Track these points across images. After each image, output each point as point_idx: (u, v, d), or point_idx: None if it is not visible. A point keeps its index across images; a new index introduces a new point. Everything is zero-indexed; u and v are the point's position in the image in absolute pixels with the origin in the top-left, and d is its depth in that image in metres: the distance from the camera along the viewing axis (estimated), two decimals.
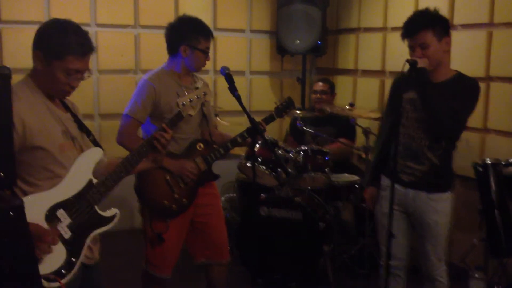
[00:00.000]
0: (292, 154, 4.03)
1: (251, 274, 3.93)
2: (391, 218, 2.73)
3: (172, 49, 3.10)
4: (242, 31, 5.74)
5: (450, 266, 4.36)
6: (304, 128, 4.41)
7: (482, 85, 4.15)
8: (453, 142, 2.97)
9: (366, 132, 4.33)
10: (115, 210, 2.29)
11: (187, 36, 3.03)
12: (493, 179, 3.43)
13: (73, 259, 2.11)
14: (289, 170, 3.97)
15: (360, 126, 4.46)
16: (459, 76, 2.90)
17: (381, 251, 3.10)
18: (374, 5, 5.24)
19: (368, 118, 4.70)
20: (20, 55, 4.43)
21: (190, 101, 2.52)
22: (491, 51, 4.14)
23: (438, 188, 2.94)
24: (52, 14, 4.77)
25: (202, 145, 3.14)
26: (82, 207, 2.15)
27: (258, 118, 3.05)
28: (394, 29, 4.98)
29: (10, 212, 1.51)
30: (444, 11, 4.38)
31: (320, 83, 4.80)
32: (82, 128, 2.31)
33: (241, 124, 4.18)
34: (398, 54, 4.58)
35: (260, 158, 4.01)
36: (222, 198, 4.83)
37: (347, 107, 4.42)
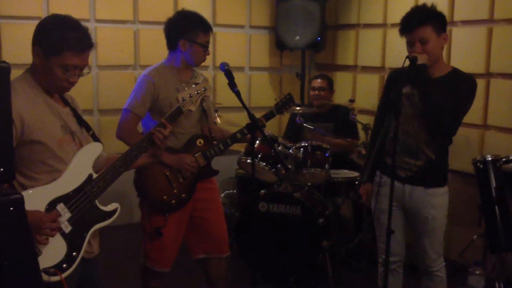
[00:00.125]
0: (292, 150, 4.03)
1: (250, 269, 3.93)
2: (391, 215, 2.74)
3: (171, 44, 3.09)
4: (241, 27, 5.73)
5: (448, 262, 4.36)
6: (304, 124, 4.41)
7: (482, 82, 4.19)
8: (450, 137, 2.99)
9: (366, 128, 4.33)
10: (116, 205, 2.30)
11: (185, 30, 3.03)
12: (492, 175, 3.44)
13: (74, 253, 2.12)
14: (289, 166, 3.97)
15: (360, 122, 4.46)
16: (456, 71, 2.91)
17: (379, 247, 3.11)
18: (374, 1, 5.23)
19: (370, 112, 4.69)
20: (19, 51, 4.43)
21: (190, 96, 2.52)
22: (491, 48, 4.14)
23: (435, 183, 2.96)
24: (51, 9, 4.76)
25: (201, 141, 3.15)
26: (82, 202, 2.16)
27: (257, 114, 3.06)
28: (394, 25, 4.97)
29: (10, 207, 1.51)
30: (444, 8, 4.42)
31: (319, 80, 4.78)
32: (82, 123, 2.31)
33: (237, 125, 4.19)
34: (398, 51, 4.58)
35: (259, 154, 4.01)
36: (222, 194, 4.83)
37: (349, 102, 4.42)
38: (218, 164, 3.27)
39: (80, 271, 2.19)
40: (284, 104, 3.38)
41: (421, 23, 2.76)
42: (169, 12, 4.85)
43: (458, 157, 4.41)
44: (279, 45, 5.53)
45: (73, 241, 2.13)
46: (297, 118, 4.40)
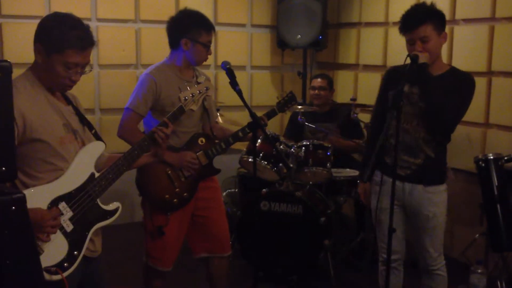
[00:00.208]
0: (294, 149, 4.03)
1: (251, 268, 3.94)
2: (392, 213, 2.74)
3: (174, 43, 3.09)
4: (242, 25, 5.73)
5: (451, 261, 4.36)
6: (306, 123, 4.41)
7: (483, 80, 4.18)
8: (449, 135, 3.00)
9: (368, 127, 4.32)
10: (117, 204, 2.30)
11: (188, 29, 3.02)
12: (494, 174, 3.44)
13: (75, 252, 2.12)
14: (290, 164, 3.97)
15: (362, 121, 4.46)
16: (454, 70, 2.92)
17: (379, 246, 3.11)
18: None
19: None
20: (21, 50, 4.44)
21: (192, 95, 2.52)
22: (493, 46, 4.13)
23: (434, 181, 2.97)
24: (53, 8, 4.76)
25: (203, 140, 3.14)
26: (84, 200, 2.16)
27: (259, 113, 3.06)
28: (395, 23, 4.93)
29: (12, 206, 1.51)
30: (446, 6, 4.42)
31: (319, 79, 4.78)
32: (84, 121, 2.31)
33: (239, 124, 4.19)
34: (400, 49, 4.56)
35: (261, 153, 4.01)
36: (223, 193, 4.83)
37: (351, 102, 4.42)
38: (219, 163, 3.27)
39: (82, 270, 2.19)
40: (286, 102, 3.38)
41: (423, 22, 2.76)
42: (171, 11, 4.88)
43: (460, 155, 4.41)
44: (281, 43, 5.52)
45: (75, 240, 2.13)
46: (299, 117, 4.40)
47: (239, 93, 2.72)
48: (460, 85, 2.85)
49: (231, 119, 4.78)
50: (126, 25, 5.20)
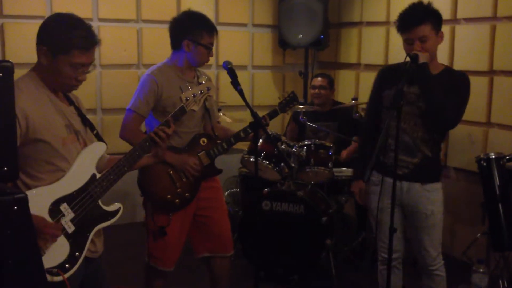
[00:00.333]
0: (295, 149, 4.03)
1: (253, 268, 3.94)
2: (393, 213, 2.75)
3: (176, 44, 3.09)
4: (244, 25, 5.73)
5: (452, 260, 4.37)
6: (307, 122, 4.41)
7: (485, 79, 4.19)
8: (445, 134, 3.02)
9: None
10: (119, 205, 2.30)
11: (190, 30, 3.02)
12: (496, 173, 3.44)
13: (76, 254, 2.12)
14: (292, 164, 3.97)
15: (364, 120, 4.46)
16: (449, 69, 2.95)
17: (379, 245, 3.11)
18: None
19: None
20: (23, 50, 4.45)
21: (194, 96, 2.53)
22: (495, 45, 4.13)
23: (431, 179, 2.99)
24: (55, 9, 4.77)
25: (205, 140, 3.15)
26: (85, 202, 2.16)
27: (260, 112, 3.06)
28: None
29: (14, 206, 1.51)
30: (447, 5, 4.41)
31: (319, 78, 4.77)
32: (86, 122, 2.31)
33: (243, 120, 4.20)
34: (401, 48, 4.57)
35: (263, 153, 4.02)
36: (225, 193, 4.84)
37: (353, 102, 4.42)
38: (221, 163, 3.28)
39: (83, 271, 2.19)
40: (288, 102, 3.38)
41: (422, 22, 2.77)
42: (172, 11, 4.89)
43: (461, 155, 4.41)
44: (282, 43, 5.53)
45: (76, 241, 2.12)
46: (300, 116, 4.40)
47: (241, 92, 2.72)
48: (458, 84, 2.88)
49: (236, 118, 4.78)
50: (128, 25, 5.20)
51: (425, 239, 2.98)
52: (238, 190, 4.90)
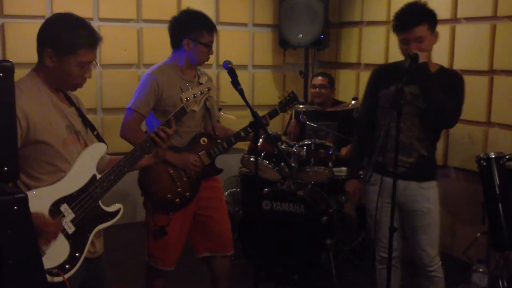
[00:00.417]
0: (295, 148, 4.03)
1: (253, 267, 3.94)
2: (393, 212, 2.75)
3: (176, 43, 3.09)
4: (244, 25, 5.73)
5: (452, 260, 4.38)
6: (307, 122, 4.41)
7: (485, 79, 4.19)
8: (440, 133, 3.04)
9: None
10: (119, 205, 2.30)
11: (190, 29, 3.03)
12: (496, 172, 3.44)
13: (77, 254, 2.12)
14: (292, 164, 3.97)
15: None
16: (444, 69, 2.96)
17: (377, 245, 3.12)
18: None
19: None
20: (23, 50, 4.45)
21: (194, 96, 2.53)
22: (495, 45, 4.13)
23: (427, 177, 3.01)
24: (55, 9, 4.77)
25: (205, 139, 3.15)
26: (86, 202, 2.16)
27: (261, 112, 3.06)
28: None
29: (14, 206, 1.51)
30: (447, 5, 4.42)
31: (320, 77, 4.78)
32: (86, 123, 2.31)
33: (247, 117, 4.20)
34: None
35: (263, 152, 4.02)
36: (225, 192, 4.84)
37: (353, 102, 4.41)
38: (221, 163, 3.28)
39: (84, 271, 2.19)
40: (288, 102, 3.39)
41: (419, 22, 2.78)
42: (173, 11, 4.89)
43: (461, 154, 4.41)
44: (282, 43, 5.53)
45: (76, 242, 2.13)
46: (301, 116, 4.40)
47: (241, 92, 2.72)
48: (455, 83, 2.91)
49: (236, 118, 4.77)
50: (128, 24, 5.20)
51: (422, 238, 2.98)
52: (238, 189, 4.90)
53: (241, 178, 4.76)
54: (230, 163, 4.80)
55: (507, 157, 3.48)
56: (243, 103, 2.73)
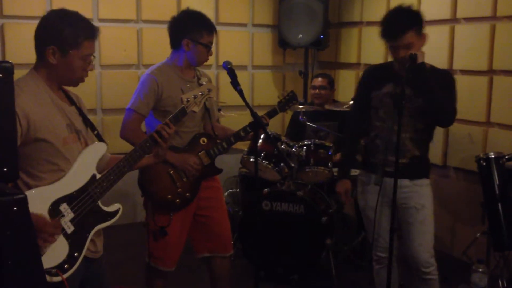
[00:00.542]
0: (295, 149, 4.03)
1: (253, 268, 3.94)
2: (395, 212, 2.75)
3: (175, 43, 3.10)
4: (244, 25, 5.74)
5: (452, 260, 4.38)
6: (307, 122, 4.41)
7: (485, 79, 4.19)
8: (433, 133, 3.06)
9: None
10: (118, 205, 2.30)
11: (190, 30, 3.03)
12: (496, 172, 3.44)
13: (75, 254, 2.12)
14: (292, 164, 3.97)
15: None
16: (435, 68, 2.96)
17: (373, 244, 3.12)
18: None
19: None
20: (22, 50, 4.43)
21: (194, 97, 2.53)
22: (494, 45, 4.13)
23: (420, 175, 3.03)
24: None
25: (205, 140, 3.15)
26: (85, 202, 2.16)
27: (260, 112, 3.06)
28: None
29: (14, 207, 1.51)
30: (447, 5, 4.42)
31: (320, 79, 4.78)
32: (87, 122, 2.31)
33: (246, 116, 4.20)
34: None
35: (262, 153, 4.02)
36: (225, 193, 4.84)
37: (351, 103, 4.41)
38: (221, 163, 3.28)
39: (83, 271, 2.19)
40: (287, 101, 3.38)
41: (405, 31, 2.79)
42: (172, 11, 4.88)
43: (461, 154, 4.41)
44: (282, 43, 5.53)
45: (75, 241, 2.12)
46: (300, 116, 4.40)
47: (241, 92, 2.72)
48: (448, 82, 2.93)
49: (236, 115, 4.78)
50: (128, 25, 5.20)
51: (417, 237, 2.98)
52: (238, 190, 4.90)
53: (240, 179, 4.76)
54: (230, 164, 4.81)
55: (506, 157, 3.49)
56: (242, 103, 2.73)
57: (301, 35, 5.30)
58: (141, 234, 3.29)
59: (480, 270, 3.55)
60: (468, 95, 4.25)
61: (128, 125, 3.03)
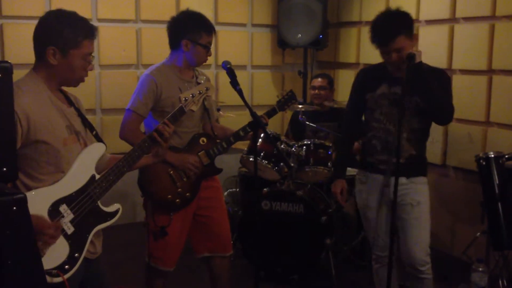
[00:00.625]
0: (295, 148, 4.03)
1: (253, 268, 3.94)
2: (395, 213, 2.75)
3: (174, 43, 3.10)
4: (243, 25, 5.74)
5: (451, 259, 4.38)
6: (307, 122, 4.41)
7: (484, 78, 4.19)
8: (429, 133, 3.07)
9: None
10: (117, 206, 2.30)
11: (189, 30, 3.03)
12: (495, 172, 3.44)
13: (76, 255, 2.12)
14: (291, 164, 3.97)
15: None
16: (429, 67, 2.96)
17: (372, 244, 3.12)
18: None
19: None
20: (22, 50, 4.43)
21: (193, 96, 2.53)
22: (494, 44, 4.13)
23: (417, 173, 3.04)
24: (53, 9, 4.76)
25: (204, 139, 3.15)
26: (85, 203, 2.15)
27: (260, 112, 3.06)
28: None
29: (13, 206, 1.51)
30: (446, 5, 4.42)
31: (319, 79, 4.78)
32: (86, 123, 2.31)
33: (246, 114, 4.20)
34: None
35: (262, 152, 4.02)
36: (224, 193, 4.84)
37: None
38: (220, 163, 3.28)
39: (83, 271, 2.19)
40: (286, 101, 3.38)
41: (395, 35, 2.80)
42: (171, 11, 4.88)
43: (460, 154, 4.41)
44: (281, 43, 5.53)
45: (76, 242, 2.12)
46: (300, 116, 4.40)
47: (240, 92, 2.72)
48: (443, 80, 2.94)
49: (235, 116, 4.77)
50: (127, 25, 5.20)
51: (413, 234, 2.98)
52: (237, 190, 4.90)
53: (240, 178, 4.76)
54: (230, 163, 4.80)
55: (506, 156, 3.49)
56: (242, 103, 2.73)
57: (300, 35, 5.31)
58: (141, 234, 3.29)
59: (480, 269, 3.55)
60: (468, 94, 4.25)
61: (127, 126, 3.03)
